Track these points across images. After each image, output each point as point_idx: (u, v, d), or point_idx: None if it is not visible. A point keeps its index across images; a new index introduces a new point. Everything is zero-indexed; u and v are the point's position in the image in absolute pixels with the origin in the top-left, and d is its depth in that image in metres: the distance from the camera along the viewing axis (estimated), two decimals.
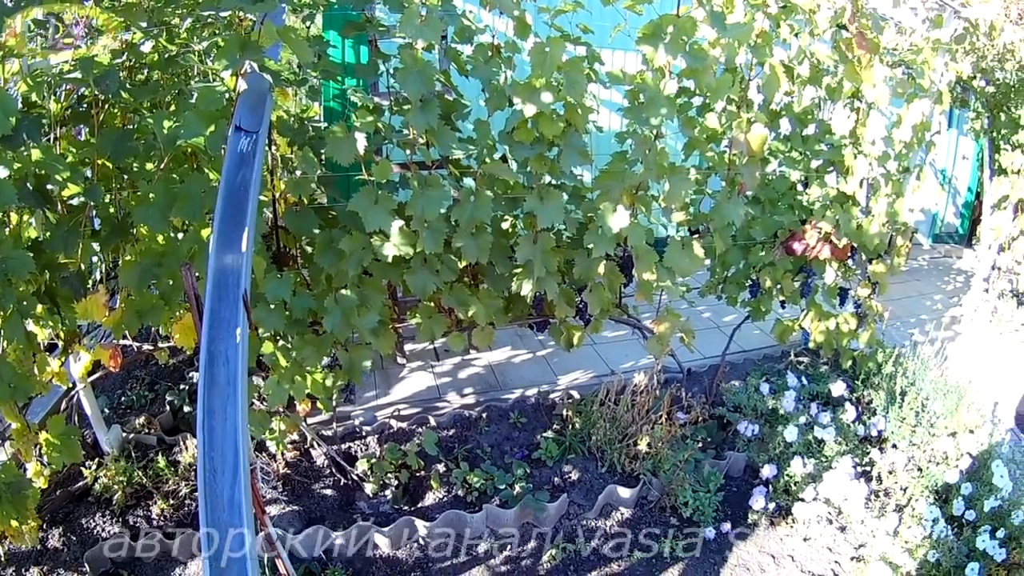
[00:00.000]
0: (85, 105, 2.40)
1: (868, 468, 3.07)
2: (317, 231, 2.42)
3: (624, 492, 2.57)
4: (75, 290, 2.30)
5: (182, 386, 3.05)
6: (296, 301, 2.33)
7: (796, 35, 3.06)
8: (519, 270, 2.42)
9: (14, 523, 2.05)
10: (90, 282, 2.49)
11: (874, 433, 3.12)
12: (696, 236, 2.82)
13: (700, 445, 2.73)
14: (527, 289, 2.38)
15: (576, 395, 2.90)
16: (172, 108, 2.66)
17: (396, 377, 3.20)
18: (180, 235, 2.41)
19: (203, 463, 1.53)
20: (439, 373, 3.35)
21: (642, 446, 2.57)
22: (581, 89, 2.35)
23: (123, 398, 3.08)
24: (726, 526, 2.69)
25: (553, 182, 2.54)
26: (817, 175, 3.11)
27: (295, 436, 2.69)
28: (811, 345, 3.10)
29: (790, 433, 2.81)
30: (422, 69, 2.25)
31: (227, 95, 2.30)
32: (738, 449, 2.82)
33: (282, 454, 2.63)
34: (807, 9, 2.99)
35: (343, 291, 2.31)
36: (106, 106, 2.42)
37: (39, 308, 2.25)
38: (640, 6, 2.68)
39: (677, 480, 2.60)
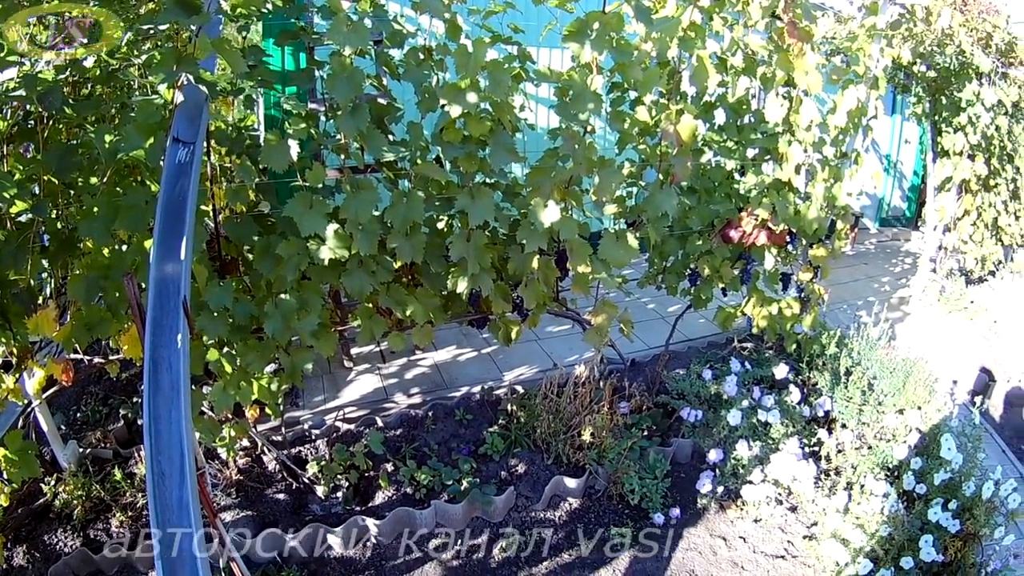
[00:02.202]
0: (31, 122, 2.43)
1: (816, 448, 3.17)
2: (256, 238, 2.47)
3: (571, 482, 2.64)
4: (25, 306, 2.34)
5: (135, 399, 3.08)
6: (238, 307, 2.38)
7: (730, 27, 3.15)
8: (454, 268, 2.48)
9: None
10: (40, 298, 2.53)
11: (820, 414, 3.21)
12: (632, 228, 2.90)
13: (645, 433, 2.81)
14: (462, 286, 2.44)
15: (520, 390, 2.97)
16: (116, 122, 2.71)
17: (344, 380, 3.25)
18: (125, 247, 2.46)
19: (151, 467, 1.57)
20: (386, 375, 3.41)
21: (586, 436, 2.65)
22: (506, 88, 2.42)
23: (78, 414, 3.11)
24: (675, 511, 2.77)
25: (487, 180, 2.62)
26: (753, 163, 3.21)
27: (246, 442, 2.73)
28: (755, 330, 3.19)
29: (733, 417, 2.90)
30: (351, 75, 2.31)
31: (166, 108, 2.36)
32: (683, 435, 2.91)
33: (234, 461, 2.67)
34: (740, 0, 3.09)
35: (283, 296, 2.36)
36: (51, 122, 2.46)
37: None
38: (570, 4, 2.77)
39: (623, 468, 2.68)
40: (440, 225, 2.63)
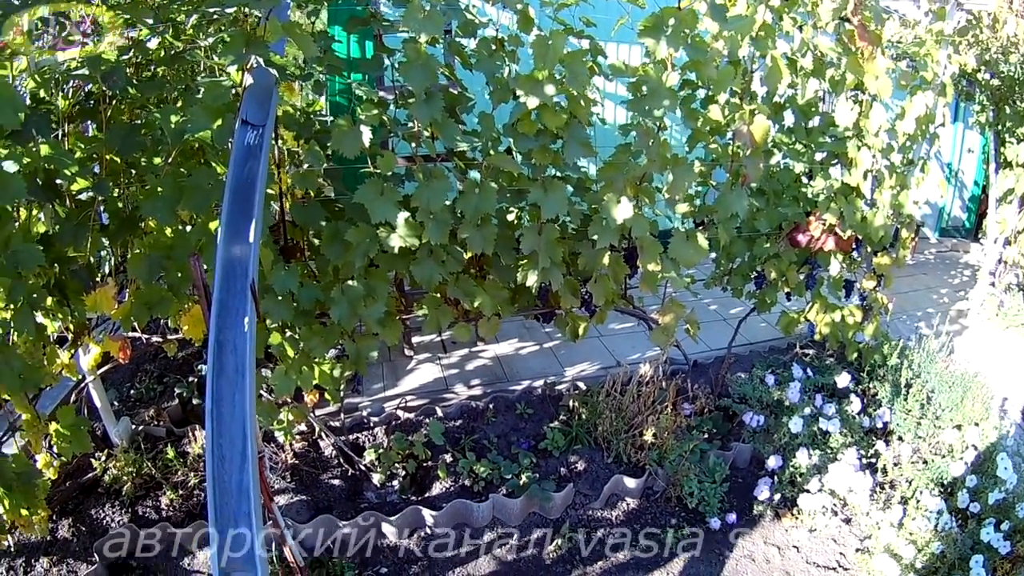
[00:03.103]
0: (92, 102, 2.45)
1: (873, 460, 3.10)
2: (324, 223, 2.47)
3: (630, 482, 2.61)
4: (84, 283, 2.35)
5: (191, 379, 3.10)
6: (303, 292, 2.38)
7: (799, 27, 3.10)
8: (524, 261, 2.46)
9: (24, 512, 2.09)
10: (99, 275, 2.54)
11: (879, 425, 3.15)
12: (700, 228, 2.86)
13: (706, 436, 2.77)
14: (532, 280, 2.42)
15: (582, 386, 2.94)
16: (179, 103, 2.72)
17: (404, 369, 3.25)
18: (188, 228, 2.47)
19: (211, 450, 1.56)
20: (446, 365, 3.40)
21: (648, 437, 2.61)
22: (584, 81, 2.40)
23: (132, 391, 3.13)
24: (731, 517, 2.73)
25: (557, 174, 2.59)
26: (821, 167, 3.15)
27: (303, 427, 2.73)
28: (817, 337, 3.13)
29: (795, 424, 2.85)
30: (425, 63, 2.30)
31: (233, 90, 2.36)
32: (743, 440, 2.86)
33: (290, 445, 2.67)
34: (810, 1, 3.03)
35: (350, 282, 2.36)
36: (114, 102, 2.47)
37: (49, 301, 2.29)
38: (643, 0, 2.74)
39: (683, 471, 2.64)
40: (510, 217, 2.60)
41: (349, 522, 2.46)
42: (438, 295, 2.47)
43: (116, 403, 2.97)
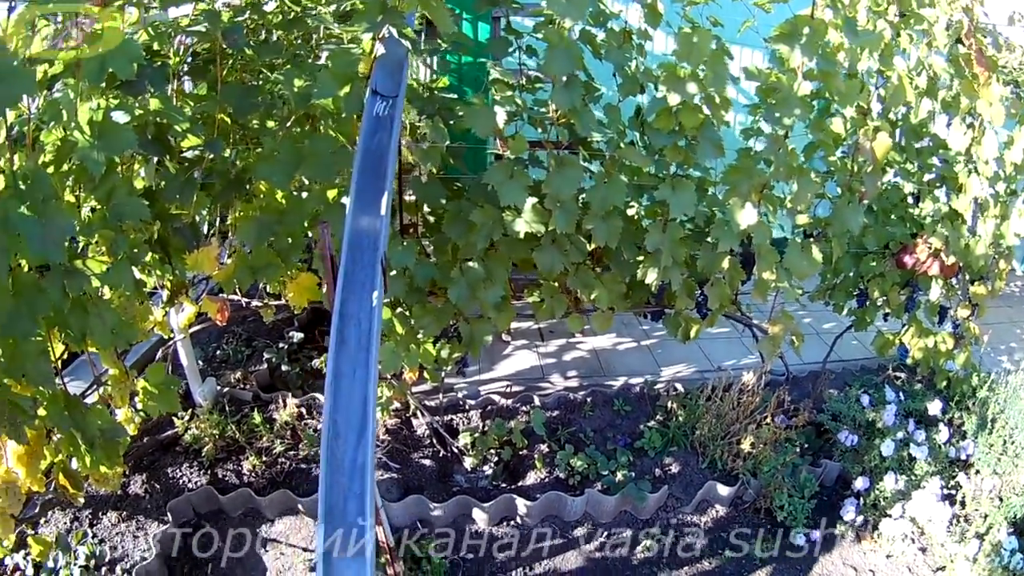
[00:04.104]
0: (199, 61, 2.42)
1: (953, 492, 3.09)
2: (444, 201, 2.46)
3: (723, 490, 2.60)
4: (188, 241, 2.34)
5: (281, 345, 3.10)
6: (419, 269, 2.37)
7: (915, 45, 3.06)
8: (644, 258, 2.44)
9: (104, 469, 2.08)
10: (203, 235, 2.53)
11: (963, 456, 3.12)
12: (810, 239, 2.84)
13: (798, 450, 2.75)
14: (651, 277, 2.40)
15: (680, 388, 2.93)
16: (287, 68, 2.69)
17: (500, 354, 3.25)
18: (304, 194, 2.46)
19: (327, 425, 1.55)
20: (543, 354, 3.40)
21: (745, 446, 2.60)
22: (724, 82, 2.38)
23: (218, 352, 3.14)
24: (815, 534, 2.72)
25: (679, 172, 2.57)
26: (929, 189, 3.12)
27: (397, 404, 2.73)
28: (908, 361, 3.11)
29: (887, 447, 2.83)
30: (568, 47, 2.28)
31: (362, 58, 2.35)
32: (834, 458, 2.85)
33: (384, 421, 2.67)
34: (931, 20, 2.99)
35: (470, 263, 2.35)
36: (229, 61, 2.45)
37: (150, 257, 2.25)
38: (769, 4, 2.71)
39: (775, 483, 2.63)
40: (630, 212, 2.59)
41: (440, 505, 2.45)
42: (555, 284, 2.46)
43: (201, 363, 2.97)
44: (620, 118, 2.54)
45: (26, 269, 1.69)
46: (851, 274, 2.91)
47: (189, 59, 2.40)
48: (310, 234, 2.50)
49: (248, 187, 2.41)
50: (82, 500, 2.41)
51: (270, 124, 2.43)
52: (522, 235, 2.31)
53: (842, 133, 2.81)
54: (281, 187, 2.29)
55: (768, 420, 2.67)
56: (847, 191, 2.76)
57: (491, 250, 2.39)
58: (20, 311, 1.57)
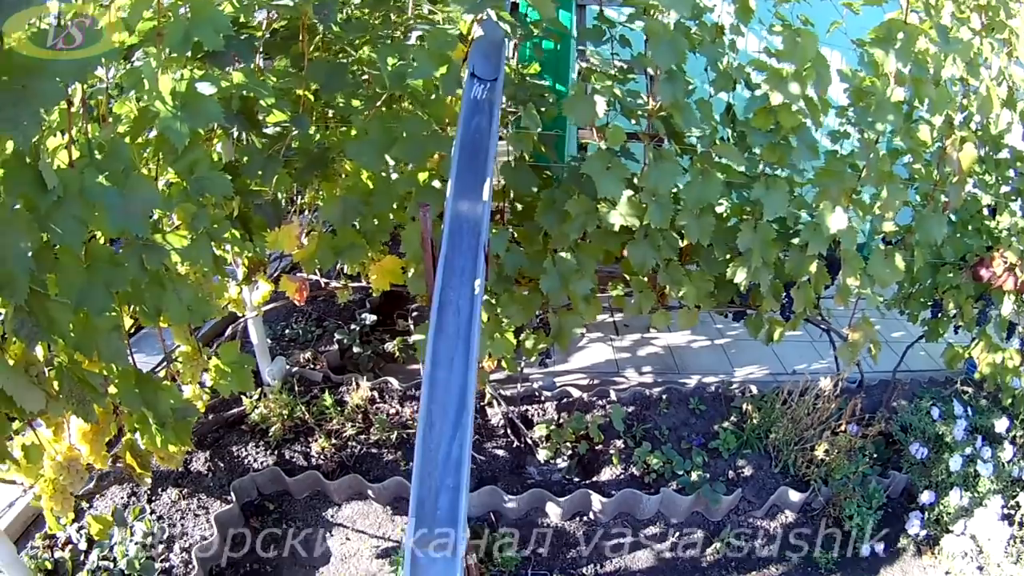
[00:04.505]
0: (278, 38, 2.55)
1: (1013, 512, 3.30)
2: (535, 189, 2.63)
3: (794, 496, 2.79)
4: (269, 219, 2.47)
5: (352, 326, 3.25)
6: (509, 257, 2.54)
7: (996, 54, 3.27)
8: (734, 257, 2.63)
9: (172, 449, 2.16)
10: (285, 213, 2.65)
11: None
12: (890, 247, 3.04)
13: (867, 460, 2.96)
14: (741, 277, 2.58)
15: (755, 390, 3.12)
16: (381, 45, 2.83)
17: (575, 346, 3.43)
18: (395, 176, 2.60)
19: (422, 415, 1.63)
20: (618, 348, 3.59)
21: (819, 452, 2.80)
22: (826, 84, 2.56)
23: (287, 331, 3.28)
24: (879, 546, 2.91)
25: (768, 171, 2.76)
26: (1006, 202, 3.33)
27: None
28: (976, 376, 3.32)
29: (955, 462, 3.04)
30: (674, 39, 2.46)
31: (457, 39, 2.50)
32: (902, 470, 3.05)
33: None
34: (1015, 30, 3.20)
35: (562, 253, 2.52)
36: (315, 39, 2.57)
37: (229, 233, 2.30)
38: (858, 4, 2.90)
39: (846, 492, 2.83)
40: (719, 210, 2.77)
41: (515, 497, 2.62)
42: (644, 279, 2.64)
43: (269, 342, 3.11)
44: (712, 114, 2.71)
45: (101, 241, 1.74)
46: (927, 284, 3.12)
47: (267, 35, 2.54)
48: (391, 216, 2.65)
49: (331, 166, 2.56)
50: (149, 481, 2.57)
51: (355, 103, 2.56)
52: (617, 228, 2.49)
53: (928, 141, 3.01)
54: (372, 167, 2.42)
55: (843, 428, 2.88)
56: (931, 200, 2.96)
57: (582, 241, 2.56)
58: (94, 285, 1.61)
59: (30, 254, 1.39)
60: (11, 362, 1.65)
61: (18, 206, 1.40)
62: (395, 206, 2.52)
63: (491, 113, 2.35)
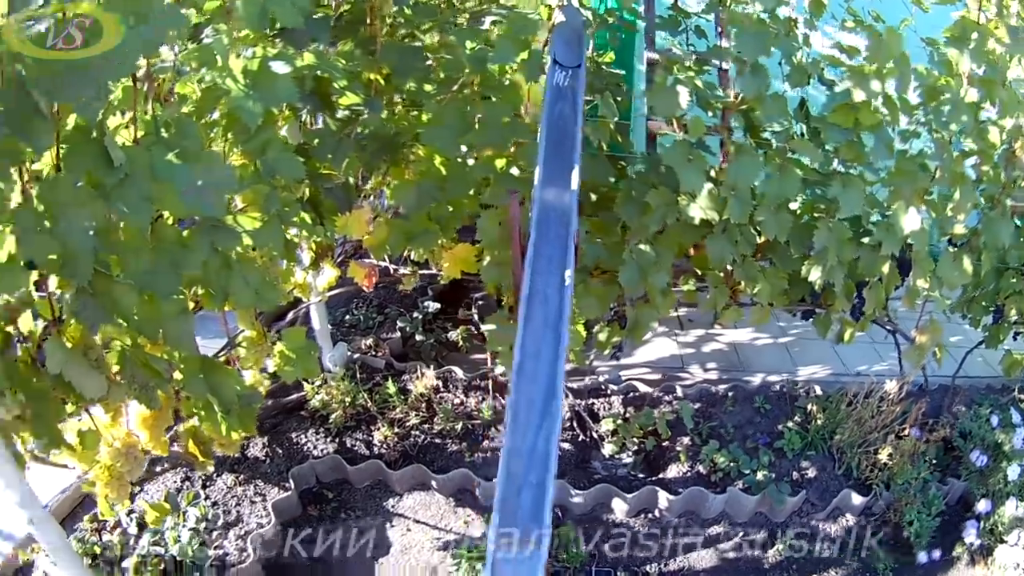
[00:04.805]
0: (344, 20, 2.64)
1: None
2: (612, 180, 2.75)
3: (857, 499, 2.93)
4: (339, 203, 2.56)
5: (415, 314, 3.37)
6: (589, 248, 2.65)
7: None
8: (809, 256, 2.76)
9: (235, 436, 2.21)
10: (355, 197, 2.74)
11: None
12: (956, 249, 3.20)
13: (928, 466, 3.11)
14: (815, 275, 2.72)
15: (818, 390, 3.27)
16: (460, 29, 2.93)
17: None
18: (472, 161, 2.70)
19: (509, 407, 1.69)
20: (682, 343, 3.74)
21: (882, 456, 2.95)
22: (907, 83, 2.72)
23: (347, 316, 3.39)
24: (936, 553, 3.07)
25: (840, 169, 2.90)
26: None
27: None
28: None
29: (1013, 471, 3.20)
30: (760, 31, 2.60)
31: (539, 24, 2.62)
32: (960, 477, 3.22)
33: None
34: None
35: (641, 246, 2.64)
36: (387, 21, 2.66)
37: (299, 217, 2.36)
38: (928, 3, 3.06)
39: (907, 498, 2.98)
40: (792, 206, 2.91)
41: (582, 492, 2.74)
42: (720, 274, 2.77)
43: (330, 327, 3.21)
44: (787, 109, 2.85)
45: (169, 222, 1.75)
46: (991, 288, 3.28)
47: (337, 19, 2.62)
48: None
49: (401, 151, 2.65)
50: (211, 468, 2.65)
51: (427, 87, 2.65)
52: (697, 221, 2.61)
53: (996, 143, 3.17)
54: (449, 153, 2.52)
55: (906, 432, 3.03)
56: (997, 203, 3.12)
57: (660, 234, 2.69)
58: (162, 266, 1.64)
59: (93, 233, 1.41)
60: (68, 345, 1.67)
61: (81, 183, 1.42)
62: (471, 193, 2.62)
63: (575, 100, 2.45)
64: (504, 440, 1.63)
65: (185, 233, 1.76)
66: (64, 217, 1.39)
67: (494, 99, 2.64)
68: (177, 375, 2.00)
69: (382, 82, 2.54)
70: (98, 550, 2.59)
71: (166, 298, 1.70)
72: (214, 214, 1.67)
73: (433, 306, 3.50)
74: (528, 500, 1.60)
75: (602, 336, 2.73)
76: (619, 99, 2.80)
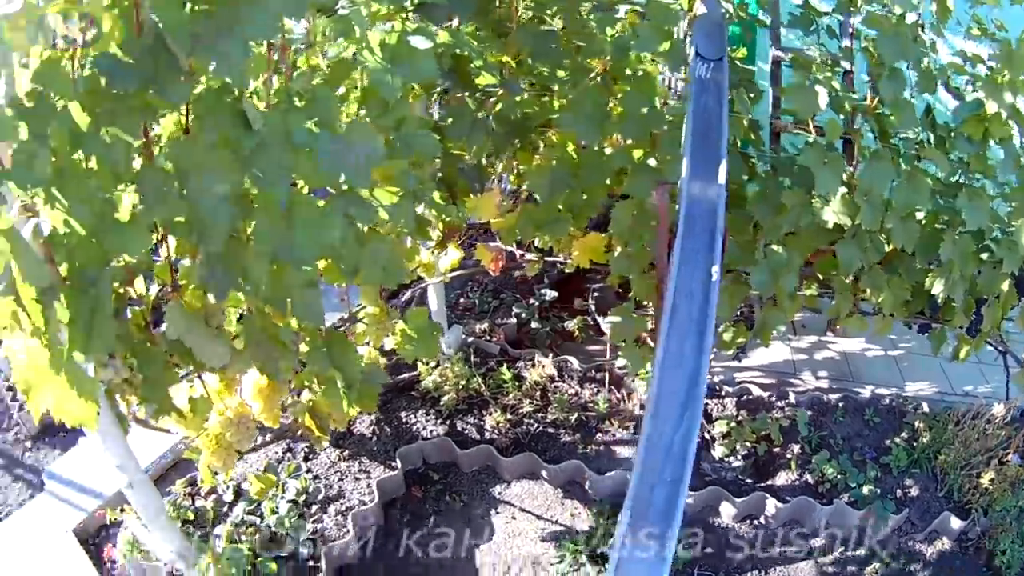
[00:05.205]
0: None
1: None
2: (745, 177, 2.91)
3: (955, 523, 3.10)
4: (471, 183, 2.69)
5: (531, 301, 3.56)
6: None
7: None
8: (932, 268, 2.95)
9: (353, 412, 2.32)
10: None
11: None
12: None
13: None
14: (938, 288, 2.90)
15: (925, 408, 3.47)
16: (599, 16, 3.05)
17: (753, 342, 3.74)
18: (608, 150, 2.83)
19: (649, 402, 1.77)
20: (795, 348, 3.93)
21: (984, 480, 3.15)
22: None
23: (461, 300, 3.56)
24: None
25: (963, 181, 3.09)
26: None
27: None
28: None
29: None
30: (899, 35, 2.79)
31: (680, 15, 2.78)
32: None
33: (639, 395, 3.12)
34: None
35: (773, 247, 2.81)
36: (517, 3, 2.78)
37: (434, 196, 2.46)
38: None
39: (1003, 526, 3.18)
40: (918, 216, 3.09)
41: (693, 493, 2.89)
42: (848, 281, 2.95)
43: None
44: (914, 117, 3.04)
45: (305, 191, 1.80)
46: None
47: None
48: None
49: (531, 136, 2.79)
50: (326, 443, 2.76)
51: (560, 73, 2.79)
52: (830, 225, 2.79)
53: None
54: (589, 140, 2.66)
55: (1007, 458, 3.24)
56: None
57: (790, 236, 2.86)
58: (296, 237, 1.67)
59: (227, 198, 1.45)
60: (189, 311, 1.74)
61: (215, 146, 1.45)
62: (607, 182, 2.75)
63: (719, 94, 2.59)
64: (641, 434, 1.71)
65: (321, 204, 1.79)
66: (196, 180, 1.44)
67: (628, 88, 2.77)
68: (303, 347, 2.10)
69: (513, 65, 2.66)
70: (191, 516, 2.68)
71: (299, 269, 1.75)
72: (359, 185, 1.73)
73: (550, 294, 3.69)
74: (661, 498, 1.68)
75: (727, 336, 2.88)
76: (752, 95, 2.96)
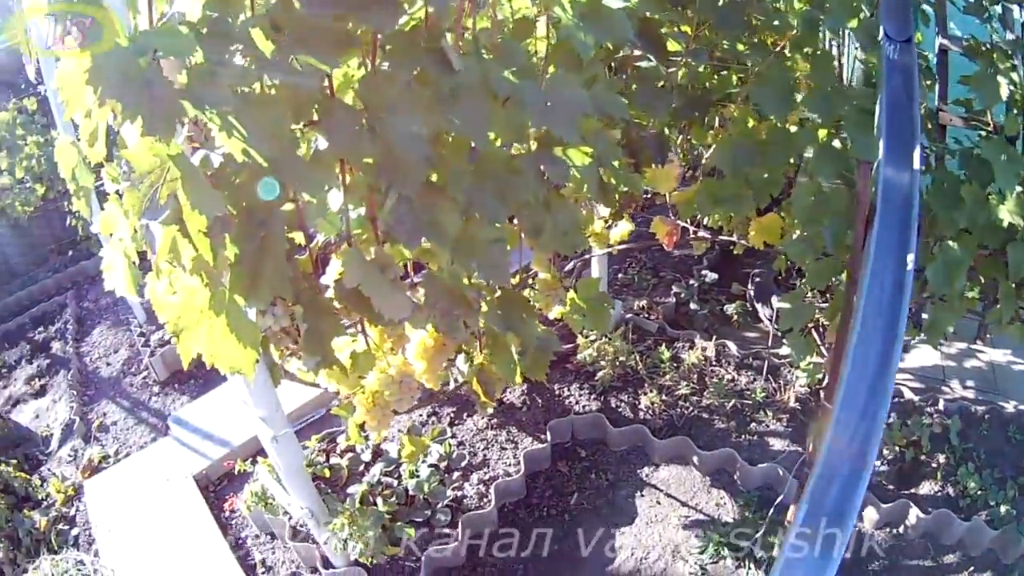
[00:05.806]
0: None
1: None
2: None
3: None
4: (653, 154, 2.83)
5: (691, 281, 3.73)
6: None
7: None
8: None
9: (518, 380, 2.41)
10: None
11: None
12: None
13: None
14: None
15: None
16: None
17: (909, 344, 3.97)
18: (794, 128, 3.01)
19: (837, 394, 1.87)
20: (945, 354, 4.13)
21: None
22: None
23: (619, 275, 3.71)
24: None
25: None
26: None
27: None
28: None
29: None
30: None
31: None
32: None
33: (793, 387, 3.29)
34: None
35: (949, 243, 3.03)
36: None
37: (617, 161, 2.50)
38: None
39: None
40: None
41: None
42: (1012, 286, 3.20)
43: None
44: None
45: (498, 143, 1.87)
46: None
47: None
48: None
49: (710, 110, 2.94)
50: (491, 410, 2.85)
51: (739, 47, 2.96)
52: (1006, 224, 3.03)
53: None
54: (777, 115, 2.83)
55: None
56: None
57: (963, 233, 3.08)
58: (482, 189, 1.76)
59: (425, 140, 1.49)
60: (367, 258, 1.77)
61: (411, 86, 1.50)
62: (791, 161, 2.92)
63: (909, 75, 2.79)
64: (827, 426, 1.81)
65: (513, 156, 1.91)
66: (390, 119, 1.49)
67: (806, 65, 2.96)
68: (484, 307, 2.16)
69: (690, 33, 2.82)
70: (326, 472, 2.72)
71: (489, 224, 1.82)
72: (569, 139, 1.80)
73: (711, 275, 3.88)
74: (835, 494, 1.76)
75: None
76: (928, 82, 3.19)
